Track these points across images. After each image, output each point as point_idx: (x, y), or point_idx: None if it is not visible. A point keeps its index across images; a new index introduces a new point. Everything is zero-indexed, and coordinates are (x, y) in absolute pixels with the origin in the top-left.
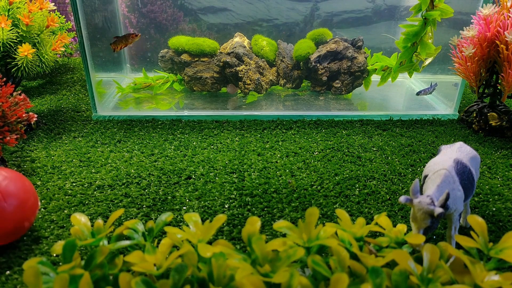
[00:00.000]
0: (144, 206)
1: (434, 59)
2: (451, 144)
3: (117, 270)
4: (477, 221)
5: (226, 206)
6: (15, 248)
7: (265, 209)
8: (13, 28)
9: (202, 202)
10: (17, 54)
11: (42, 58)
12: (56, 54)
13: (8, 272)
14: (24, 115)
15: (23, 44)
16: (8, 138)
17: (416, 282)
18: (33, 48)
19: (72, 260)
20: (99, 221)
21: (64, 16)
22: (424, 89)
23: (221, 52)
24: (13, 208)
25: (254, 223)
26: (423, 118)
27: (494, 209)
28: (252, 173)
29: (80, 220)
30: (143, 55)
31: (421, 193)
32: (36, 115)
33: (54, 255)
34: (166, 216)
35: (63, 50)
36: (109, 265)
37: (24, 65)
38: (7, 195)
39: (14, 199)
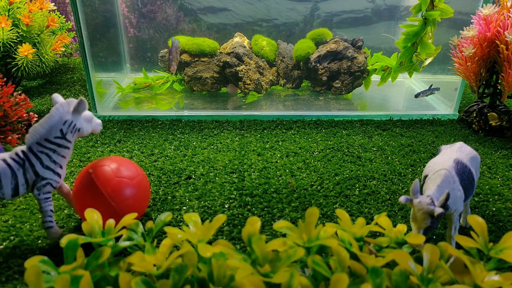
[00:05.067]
0: None
1: (434, 59)
2: (451, 144)
3: (118, 270)
4: (477, 221)
5: (226, 206)
6: (15, 248)
7: (265, 209)
8: (13, 28)
9: (202, 202)
10: (17, 54)
11: (42, 58)
12: (56, 54)
13: (8, 273)
14: (24, 115)
15: (23, 44)
16: (10, 137)
17: (416, 282)
18: (33, 48)
19: (74, 259)
20: (111, 221)
21: (64, 16)
22: (422, 91)
23: (221, 52)
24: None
25: (254, 223)
26: (423, 118)
27: (494, 209)
28: (252, 173)
29: (93, 216)
30: (143, 55)
31: (421, 193)
32: (36, 115)
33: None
34: (165, 216)
35: (63, 50)
36: (111, 266)
37: (24, 65)
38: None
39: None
